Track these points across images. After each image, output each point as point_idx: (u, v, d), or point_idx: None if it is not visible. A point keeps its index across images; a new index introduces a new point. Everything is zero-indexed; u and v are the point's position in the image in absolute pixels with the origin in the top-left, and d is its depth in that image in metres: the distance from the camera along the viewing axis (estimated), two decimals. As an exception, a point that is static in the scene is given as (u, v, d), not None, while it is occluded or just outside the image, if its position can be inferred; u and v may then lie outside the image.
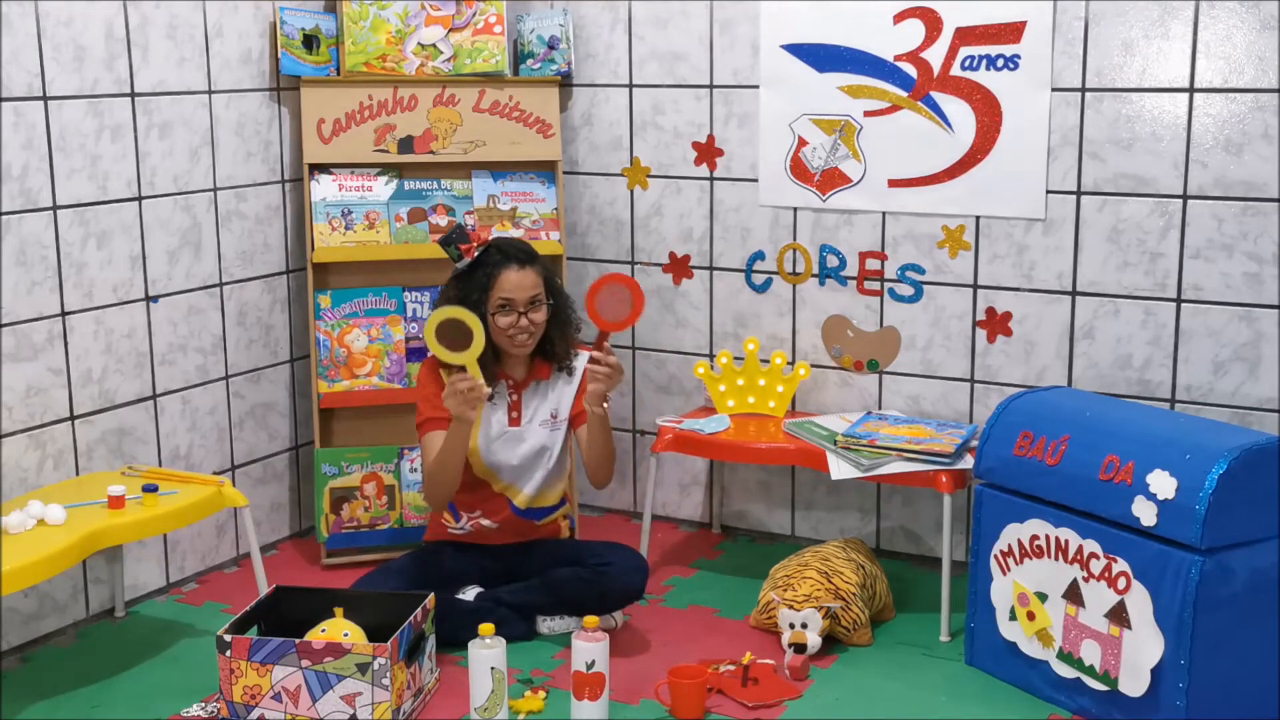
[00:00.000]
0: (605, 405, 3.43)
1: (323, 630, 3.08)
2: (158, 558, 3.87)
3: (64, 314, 3.53)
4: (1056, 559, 3.13)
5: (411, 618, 3.09)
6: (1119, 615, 2.98)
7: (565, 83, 4.34)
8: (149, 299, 3.75)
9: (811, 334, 4.11)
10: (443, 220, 4.11)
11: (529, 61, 4.27)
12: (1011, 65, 3.70)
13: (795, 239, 4.09)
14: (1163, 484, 2.89)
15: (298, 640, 3.00)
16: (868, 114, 3.91)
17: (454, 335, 3.28)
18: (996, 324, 3.85)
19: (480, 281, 3.45)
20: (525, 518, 3.60)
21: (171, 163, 3.78)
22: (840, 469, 3.62)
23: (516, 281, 3.44)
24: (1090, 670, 3.06)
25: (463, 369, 3.30)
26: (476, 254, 3.49)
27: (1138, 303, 3.66)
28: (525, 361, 3.54)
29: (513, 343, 3.46)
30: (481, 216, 4.15)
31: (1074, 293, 3.74)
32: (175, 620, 3.70)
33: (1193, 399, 3.62)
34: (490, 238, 3.64)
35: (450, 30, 4.14)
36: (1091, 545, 3.04)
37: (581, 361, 3.56)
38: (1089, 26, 3.61)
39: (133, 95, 3.66)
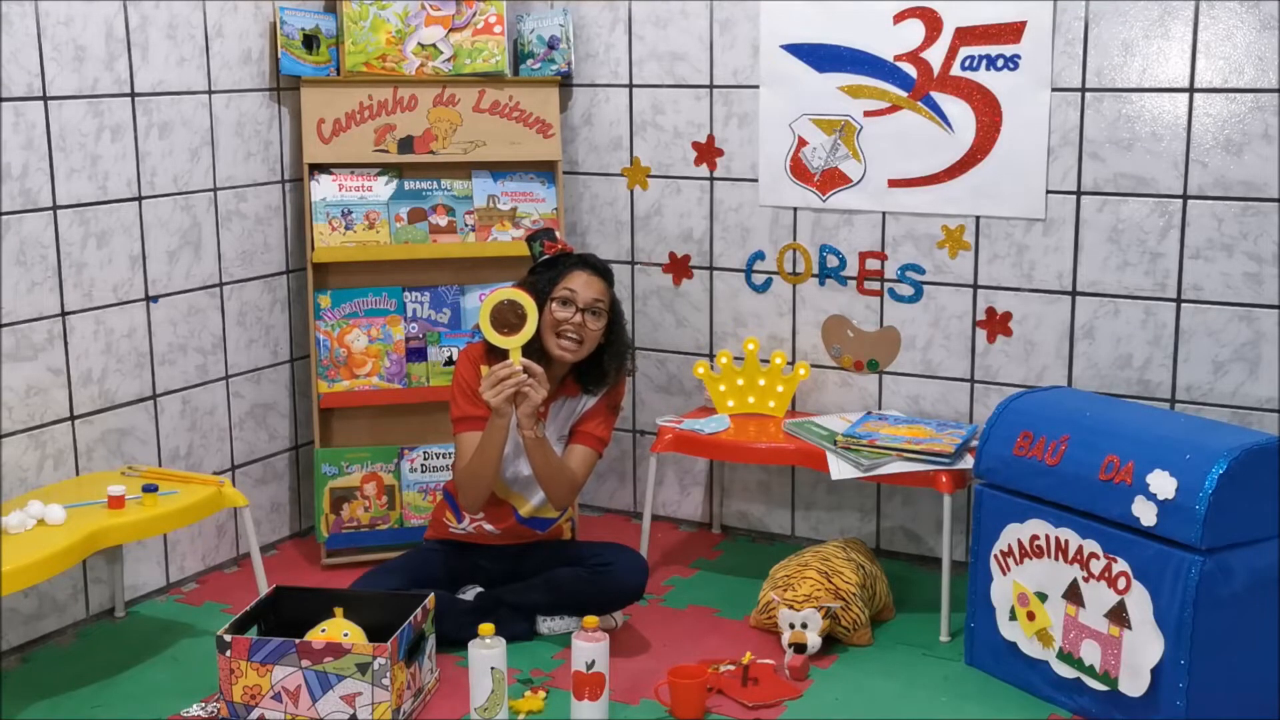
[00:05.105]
0: (535, 428, 3.35)
1: (323, 630, 3.08)
2: (158, 558, 3.87)
3: (64, 314, 3.53)
4: (1056, 559, 3.13)
5: (411, 618, 3.09)
6: (1119, 615, 2.98)
7: (565, 83, 4.34)
8: (149, 299, 3.75)
9: (811, 334, 4.11)
10: (443, 220, 4.12)
11: (529, 61, 4.27)
12: (1011, 65, 3.70)
13: (795, 239, 4.09)
14: (1163, 484, 2.89)
15: (298, 640, 3.00)
16: (868, 114, 3.91)
17: (507, 322, 3.30)
18: (996, 324, 3.85)
19: (553, 273, 3.49)
20: (528, 526, 3.60)
21: (171, 163, 3.78)
22: (840, 469, 3.62)
23: (586, 281, 3.47)
24: (1090, 670, 3.06)
25: (506, 357, 3.30)
26: (557, 254, 3.53)
27: (1138, 303, 3.66)
28: (558, 377, 3.53)
29: (560, 343, 3.43)
30: (481, 216, 4.15)
31: (1074, 293, 3.74)
32: (175, 620, 3.70)
33: (1193, 399, 3.62)
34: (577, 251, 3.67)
35: (450, 30, 4.14)
36: (1091, 545, 3.04)
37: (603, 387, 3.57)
38: (1089, 26, 3.61)
39: (133, 95, 3.66)
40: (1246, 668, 2.95)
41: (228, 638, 3.01)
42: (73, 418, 3.58)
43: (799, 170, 4.04)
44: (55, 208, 3.49)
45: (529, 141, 4.18)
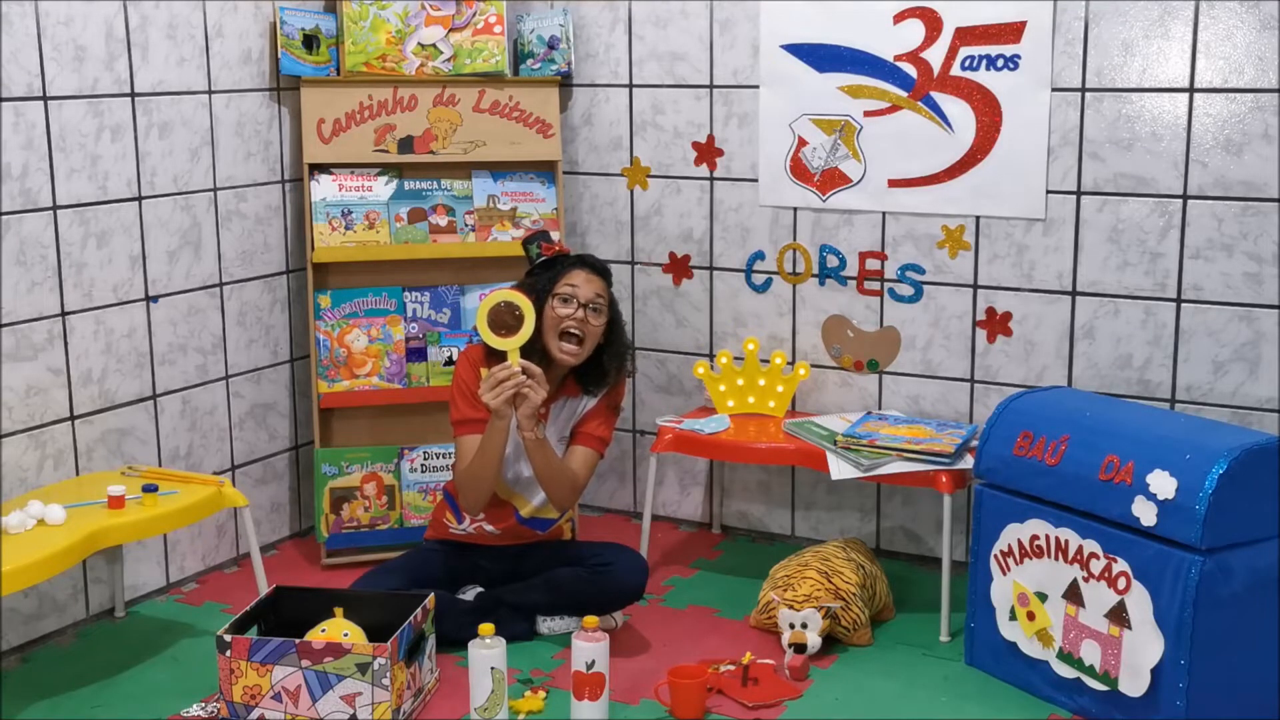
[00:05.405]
0: (535, 430, 3.35)
1: (323, 630, 3.08)
2: (158, 558, 3.87)
3: (64, 314, 3.53)
4: (1056, 559, 3.13)
5: (411, 618, 3.09)
6: (1119, 615, 2.98)
7: (565, 83, 4.34)
8: (149, 299, 3.75)
9: (811, 334, 4.11)
10: (443, 220, 4.12)
11: (529, 61, 4.27)
12: (1011, 65, 3.70)
13: (795, 239, 4.09)
14: (1163, 484, 2.89)
15: (298, 640, 3.00)
16: (868, 114, 3.91)
17: (505, 323, 3.31)
18: (996, 324, 3.85)
19: (551, 273, 3.49)
20: (528, 526, 3.60)
21: (171, 163, 3.78)
22: (840, 469, 3.62)
23: (586, 278, 3.48)
24: (1090, 670, 3.06)
25: (505, 359, 3.29)
26: (555, 255, 3.54)
27: (1138, 303, 3.66)
28: (558, 378, 3.52)
29: (562, 345, 3.43)
30: (481, 216, 4.15)
31: (1074, 293, 3.74)
32: (175, 620, 3.70)
33: (1193, 399, 3.62)
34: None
35: (450, 30, 4.14)
36: (1091, 545, 3.04)
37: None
38: (1089, 26, 3.61)
39: (133, 95, 3.66)
40: (1246, 668, 2.95)
41: (228, 638, 3.01)
42: (73, 418, 3.58)
43: (799, 170, 4.04)
44: (55, 208, 3.49)
45: (529, 141, 4.18)
